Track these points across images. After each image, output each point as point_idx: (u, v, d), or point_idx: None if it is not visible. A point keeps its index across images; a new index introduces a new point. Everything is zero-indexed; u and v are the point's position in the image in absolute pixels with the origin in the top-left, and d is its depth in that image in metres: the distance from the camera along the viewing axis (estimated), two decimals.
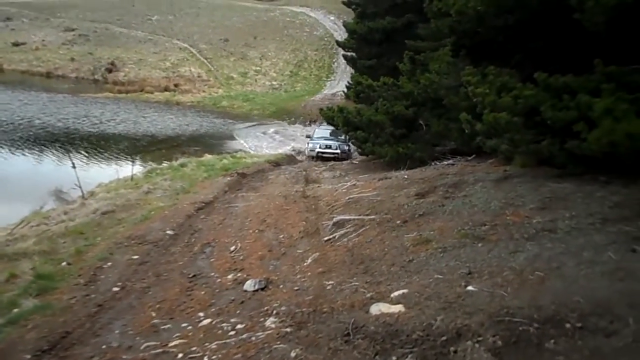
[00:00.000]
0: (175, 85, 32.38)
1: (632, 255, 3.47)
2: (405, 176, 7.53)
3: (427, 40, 12.21)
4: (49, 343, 3.46)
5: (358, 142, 11.24)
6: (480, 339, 2.81)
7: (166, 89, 31.47)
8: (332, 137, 15.75)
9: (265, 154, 16.06)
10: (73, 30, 39.35)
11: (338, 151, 14.95)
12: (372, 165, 11.43)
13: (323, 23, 44.83)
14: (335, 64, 37.97)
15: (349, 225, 5.49)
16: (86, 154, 15.84)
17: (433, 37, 10.68)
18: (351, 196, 6.83)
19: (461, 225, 4.61)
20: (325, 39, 41.31)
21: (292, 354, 3.04)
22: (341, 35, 36.09)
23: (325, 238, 5.43)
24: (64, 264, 5.27)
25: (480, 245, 4.14)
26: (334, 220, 5.78)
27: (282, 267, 4.95)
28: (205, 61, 37.92)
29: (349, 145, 15.00)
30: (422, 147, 9.98)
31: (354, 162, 12.96)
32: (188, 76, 35.01)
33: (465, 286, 3.48)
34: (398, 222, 5.20)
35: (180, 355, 3.22)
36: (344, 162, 13.35)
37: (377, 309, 3.41)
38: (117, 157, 15.95)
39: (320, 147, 15.21)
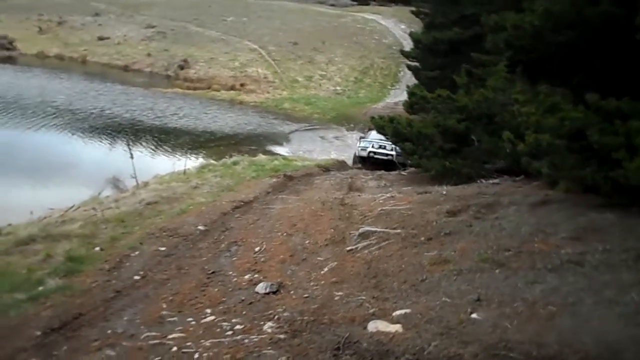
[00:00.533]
0: (241, 85, 33.25)
1: None
2: (444, 192, 7.30)
3: (489, 54, 11.83)
4: (60, 322, 3.66)
5: (406, 153, 11.03)
6: None
7: (232, 88, 32.38)
8: (388, 142, 14.36)
9: (317, 159, 16.12)
10: (153, 27, 41.42)
11: (393, 153, 13.49)
12: (419, 178, 11.18)
13: (393, 31, 44.53)
14: (402, 72, 37.51)
15: (373, 238, 5.40)
16: (150, 145, 16.64)
17: (492, 51, 10.32)
18: (384, 208, 6.72)
19: (484, 249, 4.41)
20: (394, 47, 40.95)
21: None
22: (410, 44, 35.66)
23: (348, 248, 5.37)
24: (97, 248, 5.55)
25: (497, 271, 3.94)
26: (360, 230, 5.71)
27: (299, 272, 4.95)
28: (272, 63, 38.69)
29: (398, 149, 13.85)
30: (470, 164, 9.65)
31: (402, 173, 12.71)
32: (254, 76, 35.85)
33: (471, 313, 3.33)
34: (422, 238, 5.06)
35: (174, 348, 3.29)
36: (391, 172, 13.05)
37: (374, 326, 3.33)
38: (176, 151, 16.61)
39: (373, 147, 13.90)
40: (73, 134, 16.13)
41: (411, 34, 24.76)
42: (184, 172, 12.77)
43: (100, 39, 38.01)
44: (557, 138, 5.26)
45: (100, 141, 16.19)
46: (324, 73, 38.48)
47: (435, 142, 10.29)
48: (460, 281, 3.89)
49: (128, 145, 12.94)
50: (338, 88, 36.53)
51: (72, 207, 8.39)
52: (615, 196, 5.12)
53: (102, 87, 24.76)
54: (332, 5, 53.17)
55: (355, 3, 53.76)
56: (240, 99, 30.56)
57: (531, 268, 3.91)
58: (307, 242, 5.97)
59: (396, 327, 3.27)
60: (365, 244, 5.32)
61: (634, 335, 2.75)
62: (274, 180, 11.27)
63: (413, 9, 25.51)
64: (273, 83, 36.09)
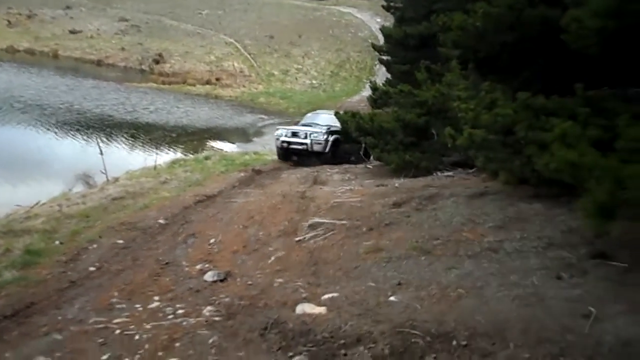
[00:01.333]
0: (217, 79, 33.32)
1: (555, 282, 3.56)
2: (397, 185, 7.67)
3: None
4: (13, 310, 3.90)
5: (369, 147, 11.39)
6: (373, 345, 3.02)
7: (208, 82, 32.44)
8: (317, 125, 13.07)
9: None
10: (127, 20, 41.11)
11: (307, 141, 11.99)
12: (383, 171, 11.55)
13: (369, 25, 44.84)
14: (377, 66, 37.81)
15: (321, 229, 5.72)
16: (122, 141, 16.71)
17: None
18: (337, 200, 7.04)
19: (416, 238, 4.77)
20: (369, 40, 41.17)
21: (210, 340, 3.34)
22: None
23: (297, 239, 5.68)
24: (57, 242, 5.77)
25: (423, 258, 4.30)
26: (310, 222, 6.02)
27: (248, 262, 5.25)
28: (248, 57, 38.78)
29: (333, 138, 12.20)
30: (429, 157, 10.04)
31: (369, 166, 13.05)
32: (230, 71, 35.93)
33: (389, 296, 3.68)
34: (364, 229, 5.40)
35: (117, 331, 3.57)
36: (358, 165, 13.36)
37: (301, 308, 3.65)
38: (148, 146, 16.72)
39: (285, 136, 12.35)
40: (42, 130, 16.13)
41: (382, 29, 25.00)
42: (155, 167, 12.94)
43: (72, 32, 37.67)
44: (491, 133, 5.64)
45: (71, 137, 16.23)
46: (300, 67, 38.73)
47: (396, 136, 10.65)
48: (388, 268, 4.23)
49: (97, 141, 13.07)
50: (314, 82, 36.86)
51: (38, 203, 8.53)
52: (543, 187, 5.53)
53: (73, 81, 24.69)
54: None
55: None
56: (216, 93, 30.65)
57: (453, 255, 4.27)
58: (261, 233, 6.25)
59: (321, 310, 3.60)
60: (312, 234, 5.64)
61: (521, 314, 3.12)
62: (242, 174, 11.53)
63: (384, 3, 25.83)
64: (249, 77, 36.23)
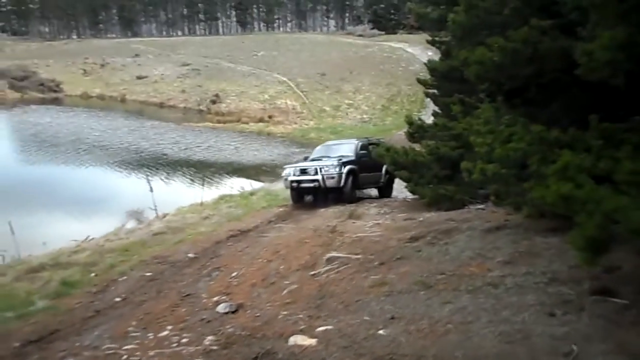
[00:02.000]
0: (270, 117, 34.46)
1: (546, 319, 3.51)
2: (421, 219, 7.68)
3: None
4: (38, 336, 4.31)
5: (404, 181, 11.43)
6: None
7: (261, 120, 33.63)
8: (328, 157, 11.80)
9: None
10: (188, 65, 43.72)
11: (318, 177, 10.85)
12: (419, 204, 11.52)
13: (420, 58, 44.97)
14: (428, 99, 37.98)
15: (336, 263, 5.84)
16: (176, 177, 17.66)
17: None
18: (360, 234, 7.15)
19: (422, 272, 4.80)
20: (421, 74, 41.40)
21: None
22: None
23: (312, 272, 5.83)
24: (92, 275, 6.24)
25: (422, 293, 4.33)
26: (327, 256, 6.16)
27: (263, 295, 5.44)
28: (301, 94, 39.97)
29: (348, 169, 11.06)
30: (463, 190, 9.94)
31: (408, 199, 13.02)
32: (283, 108, 37.12)
33: (379, 329, 3.74)
34: (376, 263, 5.47)
35: (125, 357, 3.86)
36: (398, 199, 13.32)
37: (294, 340, 3.79)
38: (199, 182, 17.54)
39: (294, 174, 11.29)
40: (103, 169, 17.34)
41: (427, 63, 25.15)
42: (201, 203, 13.55)
43: (139, 77, 40.47)
44: (505, 167, 5.61)
45: (129, 175, 17.35)
46: (351, 102, 39.38)
47: (431, 169, 10.65)
48: (387, 301, 4.29)
49: (147, 179, 13.92)
50: (365, 116, 37.28)
51: (87, 238, 9.21)
52: (561, 220, 5.41)
53: (135, 123, 26.45)
54: (360, 35, 54.56)
55: (382, 33, 54.86)
56: (268, 130, 31.70)
57: (453, 290, 4.27)
58: (282, 267, 6.45)
59: (312, 341, 3.72)
60: (327, 268, 5.77)
61: (502, 351, 3.11)
62: (281, 209, 11.84)
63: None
64: (301, 113, 37.23)
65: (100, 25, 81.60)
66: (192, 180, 17.55)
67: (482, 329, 3.47)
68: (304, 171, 11.27)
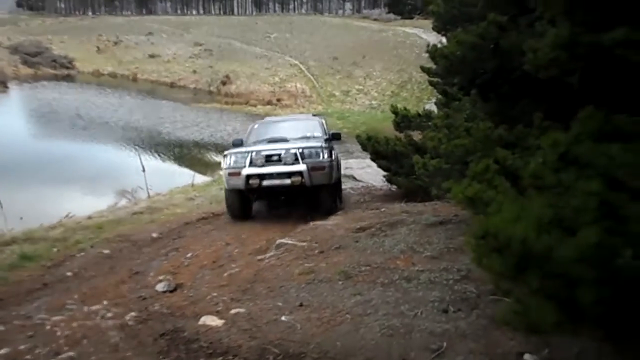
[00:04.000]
0: (278, 100, 34.54)
1: (436, 316, 3.65)
2: (383, 209, 7.81)
3: None
4: None
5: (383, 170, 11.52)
6: (231, 358, 3.31)
7: (269, 103, 33.73)
8: (293, 140, 8.28)
9: None
10: (201, 45, 43.86)
11: (300, 168, 7.33)
12: (398, 195, 11.62)
13: (436, 45, 44.56)
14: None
15: (282, 249, 6.02)
16: (187, 158, 17.91)
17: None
18: (318, 222, 7.31)
19: (350, 263, 4.95)
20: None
21: (111, 340, 3.79)
22: None
23: (259, 257, 6.03)
24: (54, 249, 6.53)
25: (340, 283, 4.49)
26: (277, 242, 6.35)
27: (206, 277, 5.66)
28: (311, 78, 39.91)
29: (329, 153, 7.71)
30: (439, 182, 10.02)
31: (392, 189, 13.09)
32: (292, 91, 37.12)
33: (283, 316, 3.92)
34: (316, 252, 5.63)
35: (48, 327, 4.11)
36: (382, 187, 13.37)
37: (204, 320, 4.00)
38: (198, 163, 17.82)
39: (250, 164, 7.38)
40: (102, 145, 17.71)
41: (429, 50, 24.94)
42: (192, 184, 13.82)
43: (151, 56, 40.80)
44: (448, 163, 5.71)
45: (129, 153, 17.68)
46: (361, 87, 39.20)
47: (409, 159, 10.72)
48: (305, 289, 4.47)
49: (140, 158, 14.20)
50: (374, 102, 37.10)
51: (67, 215, 9.52)
52: None
53: (141, 102, 26.79)
54: (376, 19, 53.94)
55: (398, 17, 54.18)
56: (275, 113, 31.81)
57: (369, 282, 4.42)
58: (236, 250, 6.66)
59: (218, 322, 3.92)
60: (272, 254, 5.96)
61: (377, 344, 3.27)
62: None
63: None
64: (310, 97, 37.22)
65: (116, 2, 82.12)
66: (191, 160, 17.85)
67: (373, 322, 3.63)
68: (270, 158, 7.39)
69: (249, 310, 4.14)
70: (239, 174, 7.43)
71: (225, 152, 7.96)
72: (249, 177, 7.38)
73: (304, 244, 6.04)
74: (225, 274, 5.56)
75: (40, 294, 5.06)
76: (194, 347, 3.53)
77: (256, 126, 9.65)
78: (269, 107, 33.12)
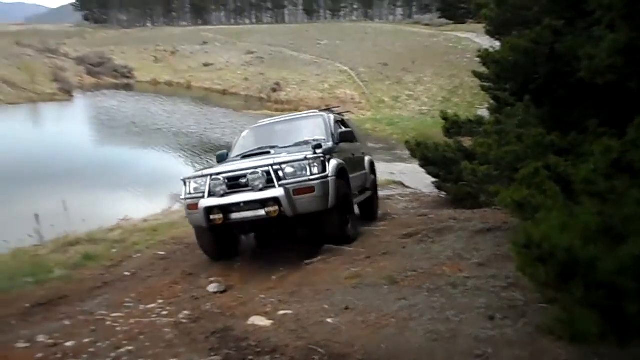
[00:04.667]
0: (327, 106, 34.82)
1: (483, 322, 3.61)
2: (431, 216, 7.76)
3: None
4: (47, 300, 4.94)
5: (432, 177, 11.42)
6: (278, 357, 3.43)
7: (318, 109, 34.10)
8: (283, 149, 6.36)
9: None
10: (252, 53, 44.95)
11: (277, 194, 5.43)
12: (447, 201, 11.48)
13: (488, 50, 43.59)
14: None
15: (330, 253, 6.09)
16: None
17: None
18: (366, 228, 7.37)
19: (395, 268, 4.98)
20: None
21: (166, 337, 3.99)
22: None
23: (306, 261, 6.14)
24: (113, 250, 6.91)
25: (386, 287, 4.53)
26: (325, 247, 6.43)
27: (255, 279, 5.82)
28: (361, 84, 40.03)
29: (336, 166, 5.87)
30: (488, 189, 9.83)
31: (441, 195, 12.93)
32: (342, 98, 37.34)
33: (329, 318, 4.00)
34: (363, 257, 5.68)
35: (108, 322, 4.38)
36: (432, 194, 13.24)
37: (252, 320, 4.14)
38: None
39: (212, 193, 5.66)
40: (154, 151, 18.51)
41: (480, 54, 24.43)
42: None
43: (205, 65, 42.19)
44: (497, 170, 5.62)
45: (179, 158, 18.40)
46: (411, 93, 38.92)
47: (459, 165, 10.58)
48: (351, 293, 4.52)
49: (192, 163, 14.78)
50: (424, 108, 36.75)
51: (124, 218, 10.02)
52: None
53: (196, 109, 27.74)
54: (427, 25, 53.45)
55: (450, 22, 53.40)
56: None
57: (415, 287, 4.43)
58: (285, 254, 6.80)
59: (267, 323, 4.05)
60: (321, 258, 6.05)
61: (421, 348, 3.28)
62: None
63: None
64: (359, 104, 37.32)
65: (173, 13, 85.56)
66: None
67: (418, 326, 3.64)
68: (234, 181, 5.62)
69: (296, 311, 4.24)
70: (194, 204, 5.70)
71: (184, 177, 6.02)
72: (208, 211, 5.53)
73: (351, 248, 6.11)
74: (274, 277, 5.70)
75: (101, 292, 5.38)
76: (243, 345, 3.66)
77: (245, 133, 7.57)
78: None
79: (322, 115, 7.34)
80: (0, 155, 16.56)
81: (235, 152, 7.11)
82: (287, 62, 43.32)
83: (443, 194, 13.38)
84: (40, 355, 3.77)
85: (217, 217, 5.58)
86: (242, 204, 5.55)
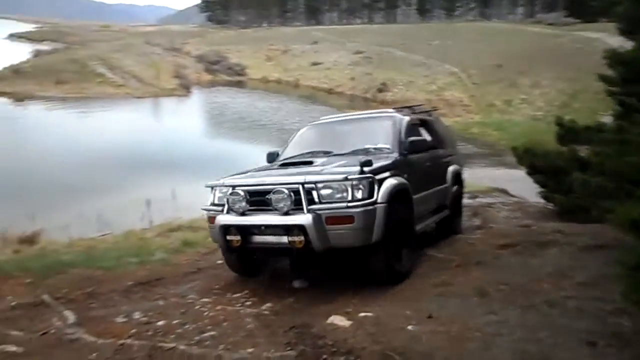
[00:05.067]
0: (433, 108, 33.86)
1: (580, 348, 3.27)
2: (534, 228, 7.20)
3: None
4: (147, 280, 5.33)
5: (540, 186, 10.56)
6: (355, 359, 3.36)
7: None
8: (332, 157, 5.40)
9: (470, 184, 15.94)
10: (361, 53, 45.04)
11: (303, 222, 4.31)
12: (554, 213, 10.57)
13: (615, 50, 39.64)
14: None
15: (429, 260, 5.85)
16: None
17: None
18: (462, 235, 7.03)
19: (487, 280, 4.67)
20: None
21: (247, 326, 4.10)
22: None
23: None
24: (209, 239, 7.26)
25: (474, 299, 4.26)
26: (428, 253, 6.17)
27: (339, 277, 5.80)
28: (471, 86, 38.37)
29: (391, 187, 4.73)
30: (603, 203, 8.90)
31: (549, 206, 11.91)
32: (449, 100, 36.13)
33: (410, 325, 3.85)
34: (454, 264, 5.41)
35: (197, 307, 4.60)
36: (538, 203, 12.24)
37: (332, 319, 4.11)
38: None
39: (230, 209, 4.75)
40: (257, 145, 19.25)
41: (607, 55, 22.14)
42: None
43: (314, 64, 43.09)
44: (614, 182, 5.03)
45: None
46: (525, 97, 36.50)
47: (570, 176, 9.69)
48: (436, 301, 4.31)
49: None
50: (538, 113, 34.26)
51: None
52: None
53: (298, 106, 28.46)
54: (551, 24, 49.76)
55: (578, 21, 49.30)
56: None
57: (507, 302, 4.11)
58: None
59: (346, 323, 3.98)
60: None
61: None
62: None
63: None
64: (467, 107, 35.84)
65: (288, 13, 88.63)
66: None
67: (506, 344, 3.37)
68: (259, 197, 4.66)
69: (377, 315, 4.13)
70: (215, 223, 4.80)
71: (209, 183, 5.11)
72: (225, 230, 4.70)
73: (442, 255, 5.86)
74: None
75: (194, 277, 5.67)
76: (319, 343, 3.64)
77: (302, 131, 6.64)
78: None
79: (392, 117, 6.01)
80: (123, 145, 18.32)
81: (285, 154, 6.17)
82: (396, 63, 42.76)
83: (550, 205, 12.37)
84: (134, 330, 4.06)
85: (234, 238, 4.65)
86: (263, 227, 4.56)
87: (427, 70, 41.31)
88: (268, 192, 4.53)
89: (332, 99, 35.20)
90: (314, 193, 4.44)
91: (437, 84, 38.93)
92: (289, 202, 4.43)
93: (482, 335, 3.54)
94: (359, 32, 52.72)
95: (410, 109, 6.91)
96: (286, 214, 4.44)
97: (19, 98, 27.37)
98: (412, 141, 5.58)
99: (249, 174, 5.22)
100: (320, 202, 4.42)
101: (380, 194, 4.59)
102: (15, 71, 31.29)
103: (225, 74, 41.25)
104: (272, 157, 6.21)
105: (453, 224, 7.00)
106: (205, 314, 4.43)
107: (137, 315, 4.39)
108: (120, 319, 4.34)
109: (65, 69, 32.67)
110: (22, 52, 38.79)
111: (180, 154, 16.02)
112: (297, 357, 3.47)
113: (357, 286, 5.20)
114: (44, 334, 3.99)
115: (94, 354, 3.59)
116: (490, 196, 14.23)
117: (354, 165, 4.58)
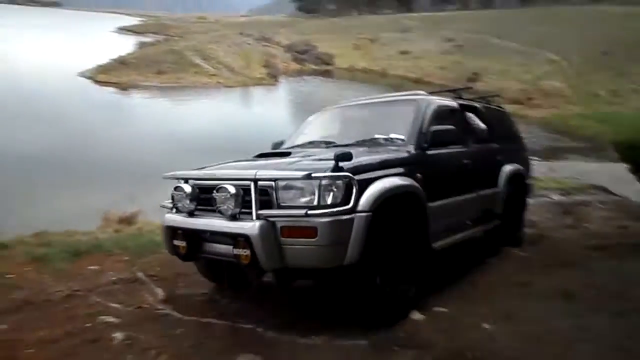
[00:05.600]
0: (528, 99, 32.06)
1: None
2: (632, 229, 6.68)
3: None
4: None
5: None
6: (422, 352, 3.38)
7: (517, 102, 31.50)
8: (328, 146, 4.54)
9: (564, 181, 15.00)
10: (452, 40, 43.60)
11: (248, 231, 3.18)
12: None
13: None
14: None
15: (503, 256, 5.69)
16: None
17: None
18: (550, 233, 6.70)
19: (573, 282, 4.46)
20: None
21: (319, 318, 4.23)
22: None
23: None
24: None
25: (557, 302, 4.08)
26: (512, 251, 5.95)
27: None
28: (572, 75, 35.80)
29: (346, 188, 3.25)
30: None
31: None
32: (547, 90, 33.91)
33: (485, 323, 3.78)
34: (539, 264, 5.19)
35: None
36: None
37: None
38: None
39: (178, 206, 3.84)
40: None
41: None
42: None
43: (402, 53, 42.35)
44: None
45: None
46: (636, 87, 33.40)
47: None
48: (516, 300, 4.18)
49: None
50: None
51: None
52: None
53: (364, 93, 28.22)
54: None
55: None
56: (523, 113, 29.50)
57: (593, 307, 3.90)
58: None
59: (420, 317, 3.96)
60: (498, 261, 5.66)
61: None
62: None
63: None
64: (567, 97, 33.48)
65: (379, 1, 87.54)
66: None
67: (588, 351, 3.22)
68: (205, 195, 3.70)
69: (452, 311, 4.08)
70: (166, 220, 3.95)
71: (166, 174, 4.10)
72: (171, 233, 3.81)
73: (524, 254, 5.64)
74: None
75: None
76: (390, 335, 3.67)
77: (311, 117, 5.74)
78: (516, 106, 30.89)
79: (415, 101, 4.78)
80: (217, 132, 19.28)
81: (288, 143, 5.25)
82: (489, 51, 40.86)
83: None
84: (215, 312, 4.37)
85: (180, 244, 3.70)
86: (208, 233, 3.62)
87: (524, 59, 39.13)
88: (216, 187, 3.50)
89: (419, 88, 34.41)
90: (273, 194, 3.34)
91: (534, 72, 36.71)
92: (233, 203, 3.38)
93: (563, 340, 3.40)
94: (452, 19, 50.95)
95: (454, 92, 5.65)
96: (233, 218, 3.41)
97: (124, 87, 29.65)
98: (436, 132, 4.32)
99: (217, 166, 4.18)
100: (278, 207, 3.32)
101: (363, 199, 3.38)
102: (122, 62, 33.87)
103: (312, 63, 41.77)
104: (276, 148, 5.27)
105: (506, 236, 5.78)
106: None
107: (217, 297, 4.65)
108: (203, 299, 4.65)
109: (164, 60, 34.85)
110: (128, 45, 41.81)
111: (268, 140, 16.51)
112: (368, 345, 3.54)
113: (433, 281, 5.18)
114: (137, 307, 4.36)
115: (179, 330, 3.88)
116: (586, 193, 13.32)
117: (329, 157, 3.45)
